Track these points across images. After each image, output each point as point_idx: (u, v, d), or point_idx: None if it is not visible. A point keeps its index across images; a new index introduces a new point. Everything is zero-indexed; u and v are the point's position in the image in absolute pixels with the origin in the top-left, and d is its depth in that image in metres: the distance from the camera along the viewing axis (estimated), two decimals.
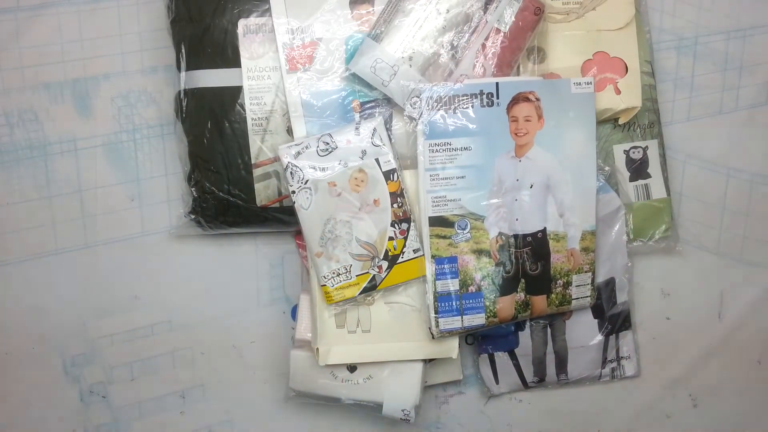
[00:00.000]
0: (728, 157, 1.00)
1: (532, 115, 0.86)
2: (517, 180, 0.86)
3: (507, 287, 0.87)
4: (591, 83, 0.88)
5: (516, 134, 0.86)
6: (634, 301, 0.99)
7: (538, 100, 0.86)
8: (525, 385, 0.97)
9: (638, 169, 0.97)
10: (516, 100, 0.85)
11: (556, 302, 0.89)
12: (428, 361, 0.90)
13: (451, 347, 0.88)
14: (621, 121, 0.95)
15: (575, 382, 0.97)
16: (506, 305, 0.87)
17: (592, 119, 0.88)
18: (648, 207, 0.97)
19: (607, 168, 0.93)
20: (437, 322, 0.86)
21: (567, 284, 0.89)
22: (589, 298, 0.90)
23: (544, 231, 0.88)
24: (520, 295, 0.88)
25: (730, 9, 1.00)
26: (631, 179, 0.96)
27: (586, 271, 0.89)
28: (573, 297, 0.89)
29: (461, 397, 1.00)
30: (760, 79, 1.01)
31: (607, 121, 0.95)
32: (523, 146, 0.86)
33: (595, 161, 0.88)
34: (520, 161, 0.86)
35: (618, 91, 0.93)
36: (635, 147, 0.96)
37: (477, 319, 0.86)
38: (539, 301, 0.88)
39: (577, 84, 0.87)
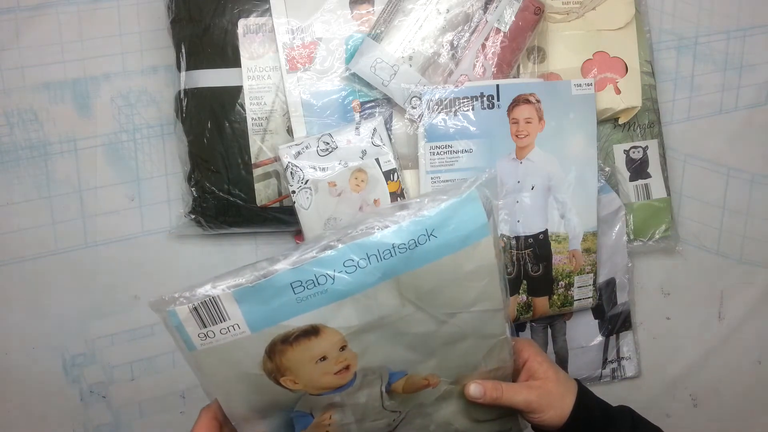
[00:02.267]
0: (728, 157, 1.00)
1: (532, 116, 0.86)
2: (518, 182, 0.86)
3: (509, 289, 0.87)
4: (591, 85, 0.88)
5: (517, 136, 0.86)
6: (634, 301, 0.99)
7: (538, 101, 0.86)
8: None
9: (638, 168, 0.97)
10: (516, 102, 0.85)
11: (558, 303, 0.89)
12: None
13: None
14: (621, 121, 0.95)
15: None
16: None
17: (593, 120, 0.88)
18: (648, 207, 0.97)
19: (607, 169, 0.93)
20: None
21: (569, 285, 0.89)
22: (591, 299, 0.90)
23: (545, 232, 0.88)
24: (522, 297, 0.88)
25: (730, 9, 1.00)
26: (631, 179, 0.96)
27: (587, 272, 0.89)
28: (575, 298, 0.89)
29: None
30: (760, 79, 1.01)
31: (607, 120, 0.95)
32: (523, 148, 0.86)
33: (596, 162, 0.88)
34: (521, 163, 0.86)
35: (618, 91, 0.93)
36: (635, 147, 0.96)
37: None
38: (541, 303, 0.88)
39: (577, 85, 0.87)
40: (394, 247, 0.60)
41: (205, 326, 0.59)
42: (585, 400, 0.71)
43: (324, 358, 0.63)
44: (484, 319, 0.66)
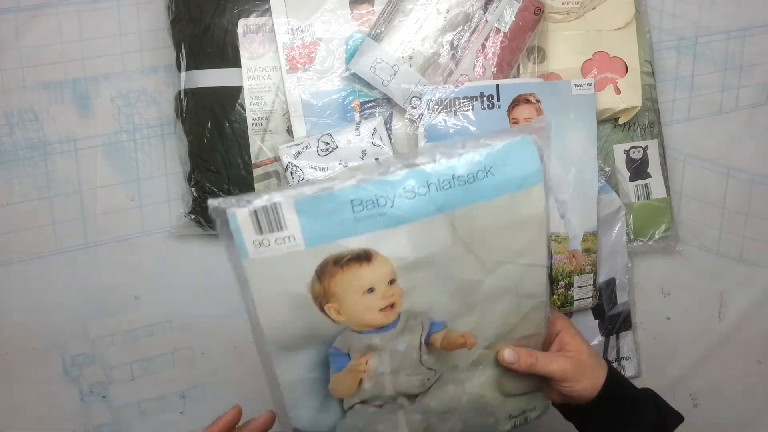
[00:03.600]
0: (728, 157, 1.00)
1: (532, 116, 0.86)
2: None
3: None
4: (591, 85, 0.88)
5: None
6: (634, 301, 0.99)
7: (538, 101, 0.86)
8: None
9: (638, 168, 0.97)
10: (516, 102, 0.85)
11: (558, 303, 0.89)
12: None
13: None
14: (621, 121, 0.95)
15: None
16: None
17: (593, 120, 0.88)
18: (648, 207, 0.97)
19: (607, 168, 0.93)
20: None
21: (569, 285, 0.89)
22: (591, 299, 0.90)
23: None
24: None
25: (730, 9, 1.00)
26: (631, 179, 0.96)
27: (587, 272, 0.89)
28: (575, 298, 0.89)
29: None
30: (760, 79, 1.01)
31: (607, 120, 0.95)
32: None
33: (596, 162, 0.88)
34: None
35: (618, 91, 0.93)
36: (635, 147, 0.96)
37: None
38: None
39: (577, 85, 0.87)
40: (453, 178, 0.61)
41: (262, 233, 0.59)
42: (616, 376, 0.72)
43: (371, 290, 0.63)
44: (528, 275, 0.66)
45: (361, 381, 0.66)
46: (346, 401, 0.67)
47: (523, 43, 0.87)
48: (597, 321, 0.96)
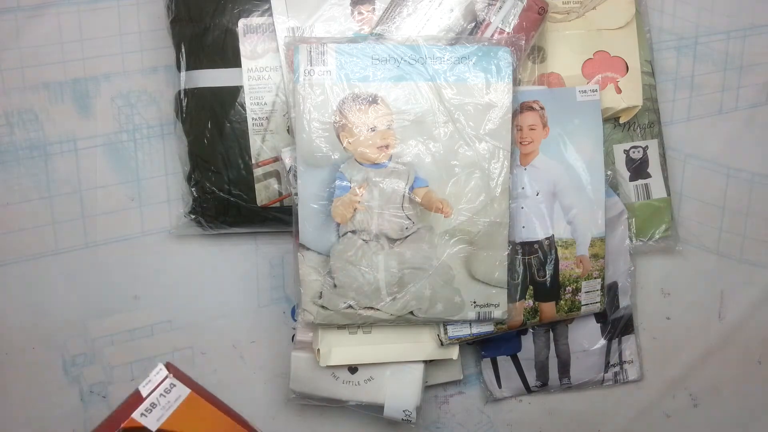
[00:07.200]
0: (728, 157, 1.01)
1: (536, 123, 0.86)
2: (523, 188, 0.86)
3: (515, 294, 0.87)
4: (596, 91, 0.87)
5: (520, 143, 0.86)
6: (634, 301, 0.99)
7: (542, 108, 0.86)
8: (528, 389, 0.97)
9: (638, 168, 0.97)
10: (520, 109, 0.85)
11: (565, 308, 0.88)
12: (429, 361, 0.90)
13: (452, 349, 0.88)
14: (622, 120, 0.95)
15: (578, 386, 0.97)
16: (515, 312, 0.87)
17: (599, 126, 0.87)
18: (648, 207, 0.97)
19: (609, 172, 0.92)
20: (446, 329, 0.86)
21: (576, 291, 0.88)
22: (598, 304, 0.90)
23: (551, 238, 0.87)
24: (529, 302, 0.87)
25: (730, 9, 1.00)
26: (631, 179, 0.96)
27: (595, 278, 0.89)
28: (582, 303, 0.89)
29: (461, 397, 1.00)
30: (760, 79, 1.01)
31: (608, 120, 0.95)
32: (527, 155, 0.86)
33: (602, 167, 0.88)
34: (525, 169, 0.86)
35: (619, 90, 0.93)
36: (635, 147, 0.96)
37: (485, 326, 0.86)
38: (548, 308, 0.88)
39: (582, 92, 0.87)
40: (443, 59, 0.80)
41: (311, 65, 0.79)
42: None
43: (373, 129, 0.80)
44: (495, 155, 0.81)
45: (354, 211, 0.81)
46: (341, 228, 0.81)
47: (526, 43, 0.87)
48: (599, 325, 0.96)
